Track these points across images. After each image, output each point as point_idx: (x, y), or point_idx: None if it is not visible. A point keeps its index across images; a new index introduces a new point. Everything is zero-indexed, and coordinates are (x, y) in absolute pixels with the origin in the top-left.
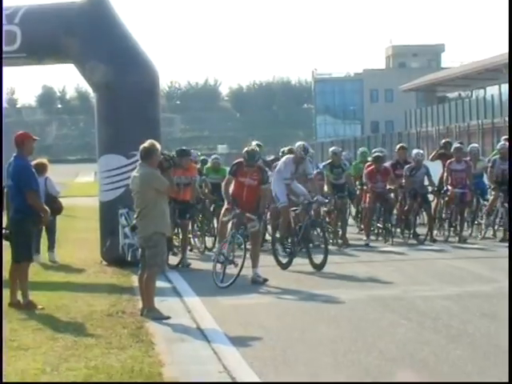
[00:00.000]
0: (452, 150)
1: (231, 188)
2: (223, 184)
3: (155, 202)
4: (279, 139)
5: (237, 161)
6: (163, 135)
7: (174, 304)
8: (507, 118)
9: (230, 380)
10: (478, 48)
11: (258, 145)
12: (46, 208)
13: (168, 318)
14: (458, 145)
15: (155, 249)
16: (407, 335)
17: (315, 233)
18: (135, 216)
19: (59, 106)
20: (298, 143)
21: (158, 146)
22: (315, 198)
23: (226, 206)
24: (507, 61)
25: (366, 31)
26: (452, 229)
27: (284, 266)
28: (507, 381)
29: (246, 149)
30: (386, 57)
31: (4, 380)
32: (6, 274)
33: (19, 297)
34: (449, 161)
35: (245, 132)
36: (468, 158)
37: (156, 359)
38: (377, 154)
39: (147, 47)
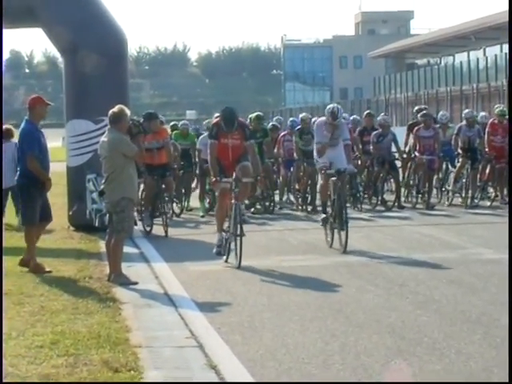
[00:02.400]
0: (419, 116)
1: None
2: (209, 152)
3: (123, 167)
4: (248, 105)
5: (214, 121)
6: (132, 101)
7: (142, 270)
8: (475, 85)
9: (196, 345)
10: (447, 15)
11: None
12: (46, 174)
13: (135, 283)
14: (425, 111)
15: (123, 214)
16: (374, 301)
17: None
18: (103, 181)
19: (27, 70)
20: (328, 106)
21: (127, 111)
22: (345, 167)
23: (212, 178)
24: (476, 28)
25: None
26: (420, 196)
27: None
28: (507, 381)
29: (218, 114)
30: (356, 23)
31: (4, 380)
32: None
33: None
34: (417, 127)
35: (214, 98)
36: (437, 126)
37: (123, 325)
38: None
39: (116, 12)
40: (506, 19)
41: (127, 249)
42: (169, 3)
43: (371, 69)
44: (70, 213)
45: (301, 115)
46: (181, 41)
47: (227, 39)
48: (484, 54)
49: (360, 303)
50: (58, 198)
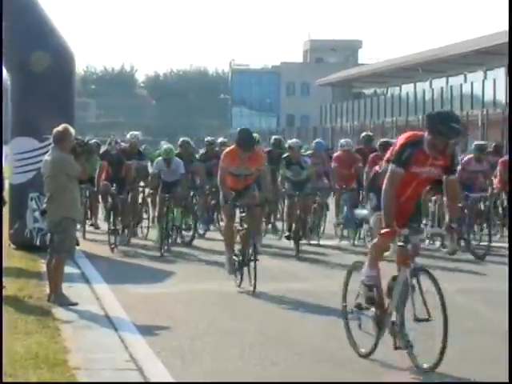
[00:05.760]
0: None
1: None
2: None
3: (66, 186)
4: (194, 128)
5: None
6: (78, 120)
7: (83, 290)
8: (420, 116)
9: (136, 369)
10: (395, 46)
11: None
12: None
13: (75, 304)
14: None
15: (64, 234)
16: (314, 329)
17: None
18: (45, 200)
19: None
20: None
21: (72, 130)
22: None
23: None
24: (423, 60)
25: (284, 24)
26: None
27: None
28: (507, 381)
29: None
30: (304, 51)
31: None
32: None
33: None
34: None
35: (160, 120)
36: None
37: (61, 346)
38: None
39: (64, 29)
40: (453, 52)
41: (68, 269)
42: (118, 23)
43: (318, 96)
44: (11, 231)
45: (289, 141)
46: (128, 61)
47: (175, 61)
48: (430, 85)
49: (301, 330)
50: None
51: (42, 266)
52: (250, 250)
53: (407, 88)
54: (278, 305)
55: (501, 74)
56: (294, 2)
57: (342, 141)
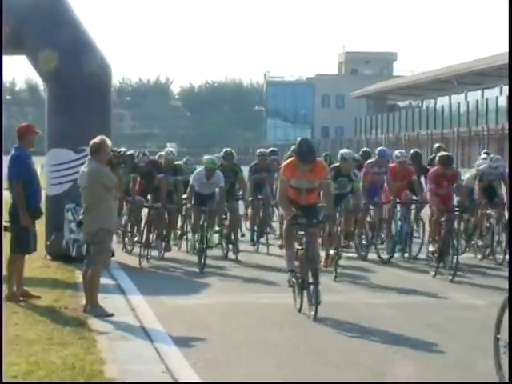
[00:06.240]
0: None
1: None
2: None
3: (102, 198)
4: (229, 140)
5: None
6: (113, 131)
7: (118, 302)
8: (455, 129)
9: (172, 380)
10: (430, 58)
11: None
12: (24, 205)
13: (111, 315)
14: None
15: (100, 245)
16: (351, 341)
17: None
18: (82, 211)
19: (8, 97)
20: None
21: (109, 142)
22: None
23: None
24: (458, 72)
25: (319, 36)
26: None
27: None
28: (507, 381)
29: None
30: (339, 63)
31: (4, 380)
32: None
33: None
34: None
35: (195, 131)
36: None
37: (97, 357)
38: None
39: (101, 41)
40: (488, 65)
41: (104, 280)
42: (153, 35)
43: (353, 108)
44: (48, 242)
45: (342, 151)
46: (164, 73)
47: (210, 73)
48: (465, 98)
49: (336, 343)
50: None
51: (78, 276)
52: (310, 273)
53: (442, 100)
54: (310, 316)
55: None
56: (328, 15)
57: (397, 152)
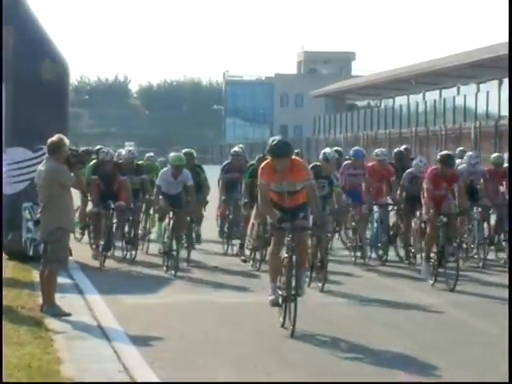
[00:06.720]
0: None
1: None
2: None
3: (59, 196)
4: (188, 139)
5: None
6: (70, 130)
7: (75, 301)
8: (413, 129)
9: (129, 380)
10: (389, 58)
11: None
12: None
13: (68, 314)
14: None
15: (58, 244)
16: (309, 341)
17: None
18: (39, 210)
19: None
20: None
21: (66, 140)
22: None
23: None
24: (417, 72)
25: (278, 36)
26: None
27: None
28: (507, 381)
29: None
30: (298, 62)
31: (4, 380)
32: None
33: None
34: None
35: (153, 130)
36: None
37: (54, 356)
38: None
39: (58, 39)
40: (446, 65)
41: (61, 279)
42: (112, 34)
43: (312, 108)
44: (5, 241)
45: (324, 151)
46: (122, 72)
47: (169, 72)
48: (423, 98)
49: (293, 342)
50: None
51: (35, 276)
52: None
53: (400, 100)
54: (271, 316)
55: (494, 86)
56: (287, 14)
57: (377, 150)
